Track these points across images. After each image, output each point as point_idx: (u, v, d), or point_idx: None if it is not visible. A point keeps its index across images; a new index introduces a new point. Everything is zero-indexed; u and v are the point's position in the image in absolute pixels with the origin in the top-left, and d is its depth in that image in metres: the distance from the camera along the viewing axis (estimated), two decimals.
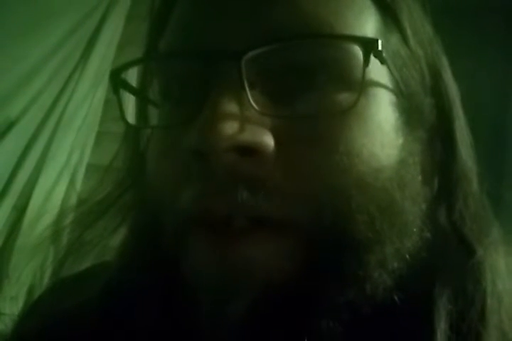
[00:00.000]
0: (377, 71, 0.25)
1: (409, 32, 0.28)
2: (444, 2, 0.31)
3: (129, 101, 0.30)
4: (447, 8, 0.31)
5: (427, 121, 0.28)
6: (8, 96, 1.14)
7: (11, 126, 1.16)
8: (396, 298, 0.24)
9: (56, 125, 1.25)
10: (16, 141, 1.19)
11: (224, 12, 0.25)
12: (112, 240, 0.32)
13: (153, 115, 0.31)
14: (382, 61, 0.25)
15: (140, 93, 0.31)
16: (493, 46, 1.16)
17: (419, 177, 0.27)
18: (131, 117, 0.29)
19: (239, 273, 0.23)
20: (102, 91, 1.32)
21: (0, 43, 1.09)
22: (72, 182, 1.25)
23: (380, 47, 0.24)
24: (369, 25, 0.26)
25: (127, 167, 0.33)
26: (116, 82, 0.28)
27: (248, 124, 0.23)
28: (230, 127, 0.22)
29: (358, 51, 0.24)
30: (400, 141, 0.26)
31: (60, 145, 1.25)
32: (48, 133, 1.24)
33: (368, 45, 0.24)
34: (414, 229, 0.26)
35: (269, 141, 0.23)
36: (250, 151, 0.23)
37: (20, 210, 1.18)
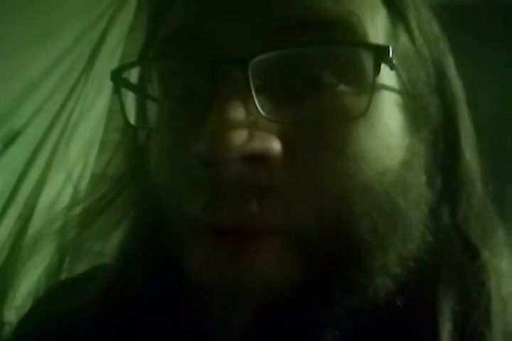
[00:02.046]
0: (385, 74, 0.25)
1: (416, 31, 0.28)
2: (444, 2, 0.31)
3: (131, 106, 0.30)
4: (447, 8, 0.31)
5: (432, 121, 0.28)
6: (12, 106, 1.15)
7: (15, 136, 1.17)
8: (399, 301, 0.24)
9: (60, 135, 1.25)
10: (20, 151, 1.20)
11: (231, 11, 0.25)
12: (110, 243, 0.32)
13: (154, 112, 0.30)
14: (392, 67, 0.25)
15: (141, 90, 0.31)
16: (494, 46, 1.16)
17: (423, 179, 0.26)
18: (132, 119, 0.29)
19: (245, 279, 0.23)
20: (105, 101, 1.33)
21: (4, 54, 1.11)
22: (76, 192, 1.25)
23: (390, 54, 0.24)
24: (380, 24, 0.26)
25: (126, 165, 0.33)
26: (118, 81, 0.28)
27: (256, 131, 0.22)
28: (239, 135, 0.22)
29: (367, 56, 0.24)
30: (405, 142, 0.26)
31: (64, 155, 1.25)
32: (52, 143, 1.24)
33: (379, 53, 0.24)
34: (418, 233, 0.25)
35: (277, 147, 0.23)
36: (259, 159, 0.22)
37: (24, 220, 1.18)
